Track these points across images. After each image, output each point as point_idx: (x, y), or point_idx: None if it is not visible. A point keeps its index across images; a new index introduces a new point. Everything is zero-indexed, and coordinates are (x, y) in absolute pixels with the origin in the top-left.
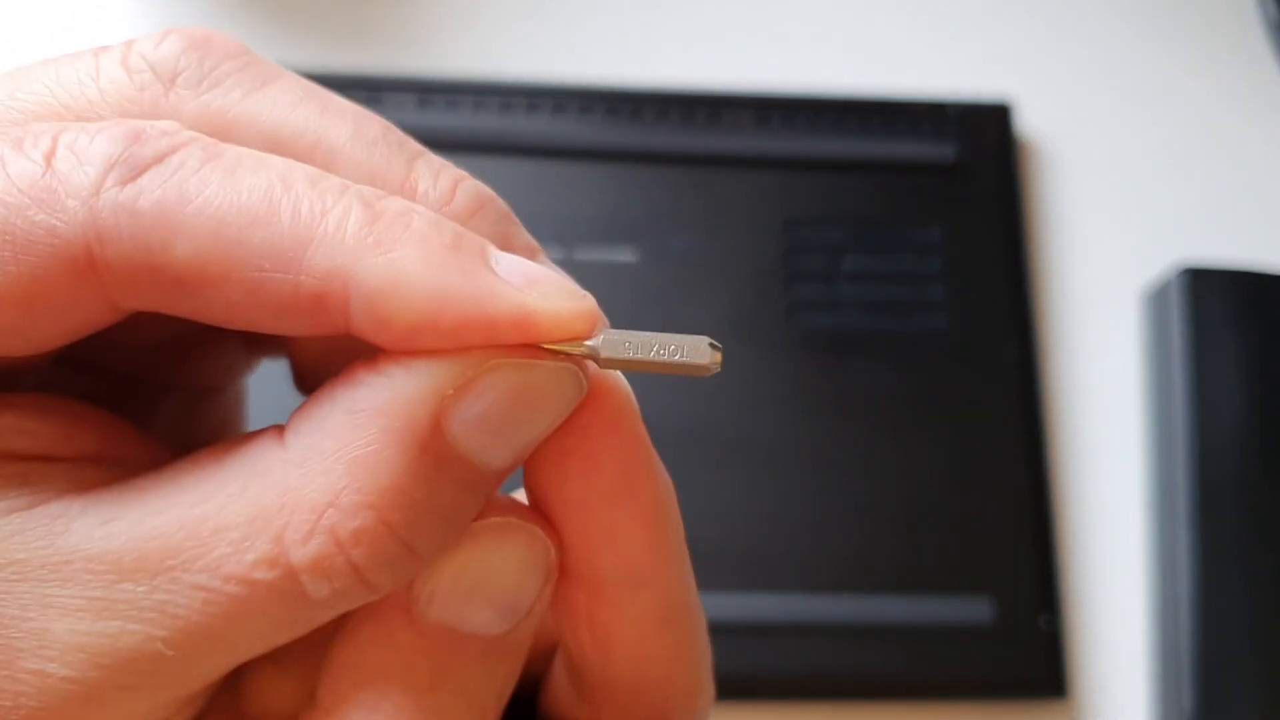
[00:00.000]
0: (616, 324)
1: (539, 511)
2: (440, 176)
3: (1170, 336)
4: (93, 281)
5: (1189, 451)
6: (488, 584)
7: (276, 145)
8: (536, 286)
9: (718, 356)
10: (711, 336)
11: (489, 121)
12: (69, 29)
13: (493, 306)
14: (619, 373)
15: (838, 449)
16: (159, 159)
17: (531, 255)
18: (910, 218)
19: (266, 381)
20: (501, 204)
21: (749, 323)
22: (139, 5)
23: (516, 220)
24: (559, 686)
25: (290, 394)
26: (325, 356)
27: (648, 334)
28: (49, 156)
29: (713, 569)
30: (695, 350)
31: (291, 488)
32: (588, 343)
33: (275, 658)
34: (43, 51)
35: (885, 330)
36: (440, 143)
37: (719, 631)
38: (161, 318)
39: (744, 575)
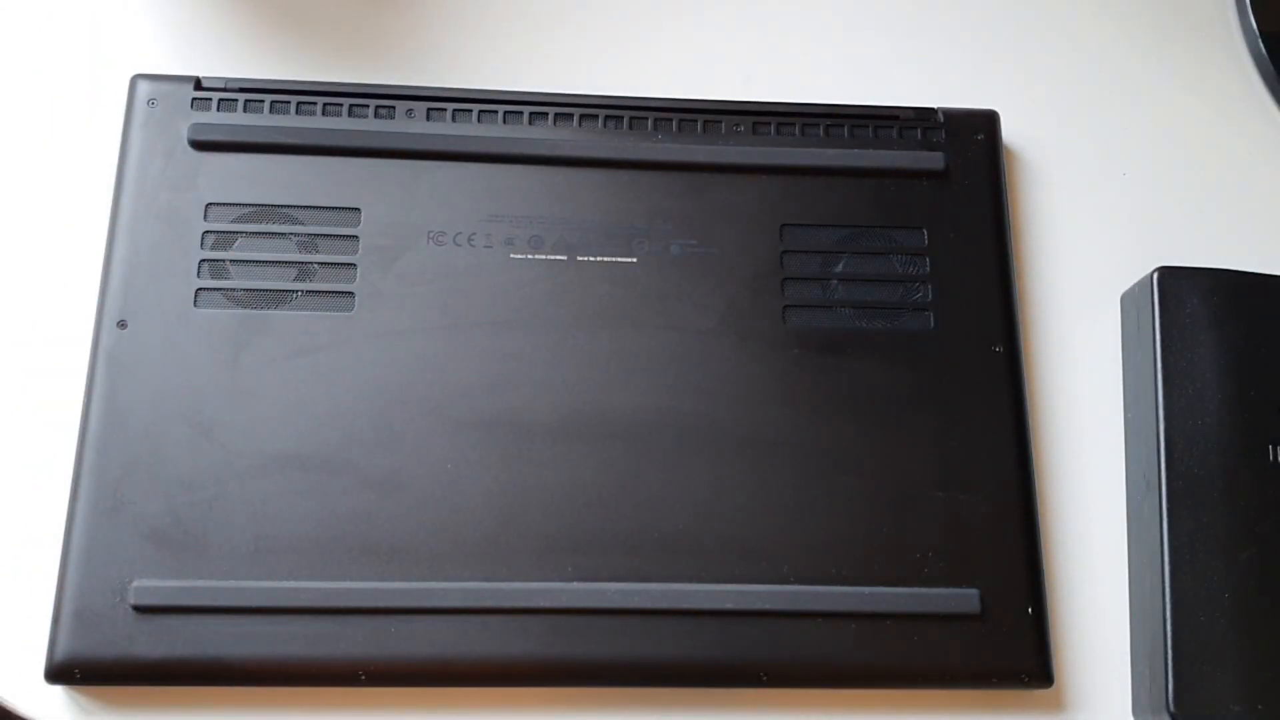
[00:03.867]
0: (619, 323)
1: None
2: None
3: (1146, 333)
4: None
5: (1165, 445)
6: None
7: None
8: None
9: None
10: (708, 336)
11: (494, 131)
12: (70, 38)
13: None
14: None
15: (829, 444)
16: None
17: None
18: (900, 222)
19: None
20: None
21: (745, 323)
22: (150, 9)
23: None
24: None
25: None
26: None
27: None
28: None
29: (707, 560)
30: None
31: None
32: None
33: None
34: (48, 54)
35: (875, 330)
36: (448, 152)
37: (714, 621)
38: None
39: (737, 566)
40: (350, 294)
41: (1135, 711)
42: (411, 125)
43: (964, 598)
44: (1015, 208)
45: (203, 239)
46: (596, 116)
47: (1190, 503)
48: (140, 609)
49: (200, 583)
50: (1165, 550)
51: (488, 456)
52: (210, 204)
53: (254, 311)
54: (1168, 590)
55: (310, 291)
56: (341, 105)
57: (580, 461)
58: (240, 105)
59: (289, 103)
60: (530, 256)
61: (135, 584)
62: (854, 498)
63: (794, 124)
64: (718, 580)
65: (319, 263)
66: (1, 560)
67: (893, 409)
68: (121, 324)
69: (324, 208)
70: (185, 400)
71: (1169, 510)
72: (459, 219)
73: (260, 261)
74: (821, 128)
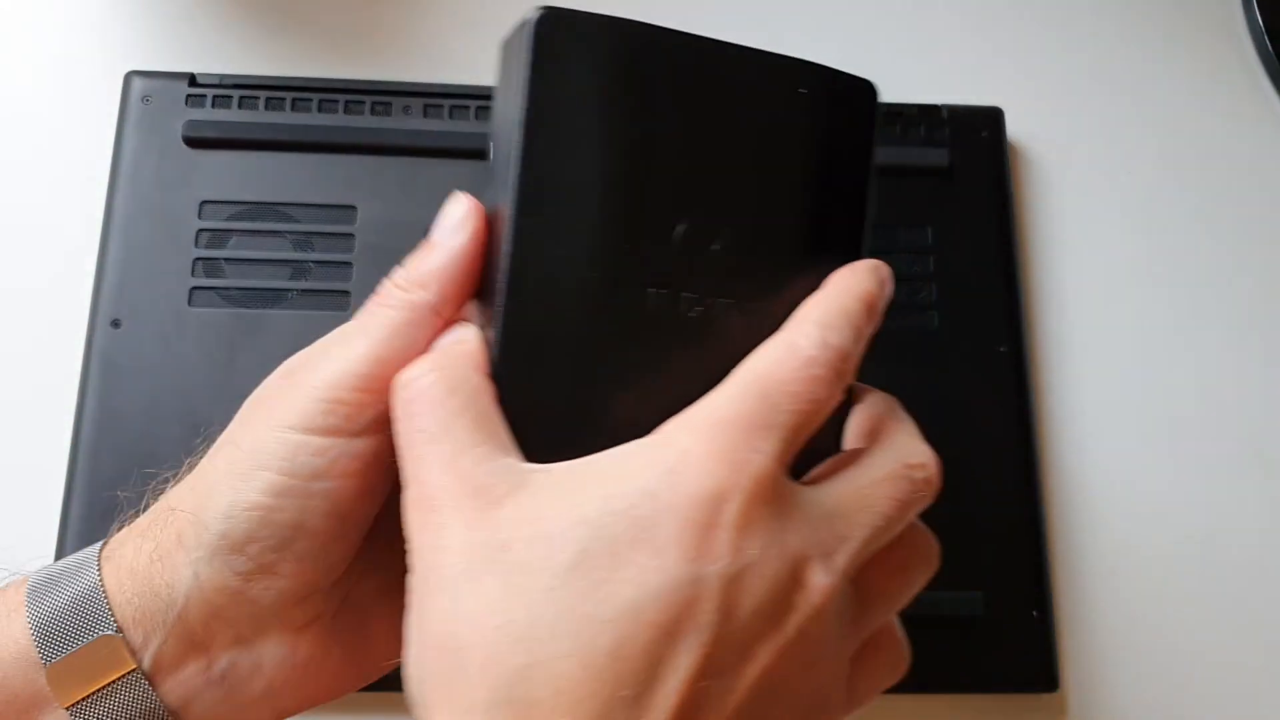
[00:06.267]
0: None
1: None
2: None
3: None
4: None
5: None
6: None
7: None
8: None
9: None
10: None
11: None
12: (64, 34)
13: None
14: None
15: None
16: None
17: None
18: (904, 219)
19: None
20: None
21: None
22: (144, 6)
23: None
24: None
25: None
26: None
27: None
28: None
29: None
30: None
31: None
32: None
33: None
34: (42, 51)
35: (878, 329)
36: (445, 149)
37: None
38: None
39: None
40: (346, 293)
41: None
42: (408, 122)
43: (968, 601)
44: (1020, 205)
45: (197, 237)
46: None
47: None
48: None
49: None
50: None
51: None
52: (205, 201)
53: (249, 310)
54: None
55: (306, 290)
56: (337, 101)
57: None
58: (235, 102)
59: (284, 99)
60: None
61: None
62: None
63: None
64: None
65: (314, 261)
66: None
67: None
68: (115, 323)
69: (319, 205)
70: (180, 400)
71: None
72: None
73: (255, 260)
74: None
